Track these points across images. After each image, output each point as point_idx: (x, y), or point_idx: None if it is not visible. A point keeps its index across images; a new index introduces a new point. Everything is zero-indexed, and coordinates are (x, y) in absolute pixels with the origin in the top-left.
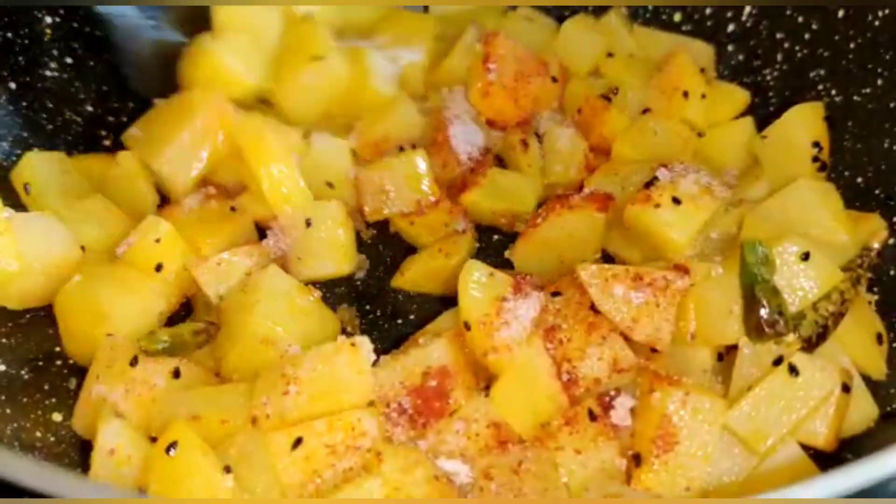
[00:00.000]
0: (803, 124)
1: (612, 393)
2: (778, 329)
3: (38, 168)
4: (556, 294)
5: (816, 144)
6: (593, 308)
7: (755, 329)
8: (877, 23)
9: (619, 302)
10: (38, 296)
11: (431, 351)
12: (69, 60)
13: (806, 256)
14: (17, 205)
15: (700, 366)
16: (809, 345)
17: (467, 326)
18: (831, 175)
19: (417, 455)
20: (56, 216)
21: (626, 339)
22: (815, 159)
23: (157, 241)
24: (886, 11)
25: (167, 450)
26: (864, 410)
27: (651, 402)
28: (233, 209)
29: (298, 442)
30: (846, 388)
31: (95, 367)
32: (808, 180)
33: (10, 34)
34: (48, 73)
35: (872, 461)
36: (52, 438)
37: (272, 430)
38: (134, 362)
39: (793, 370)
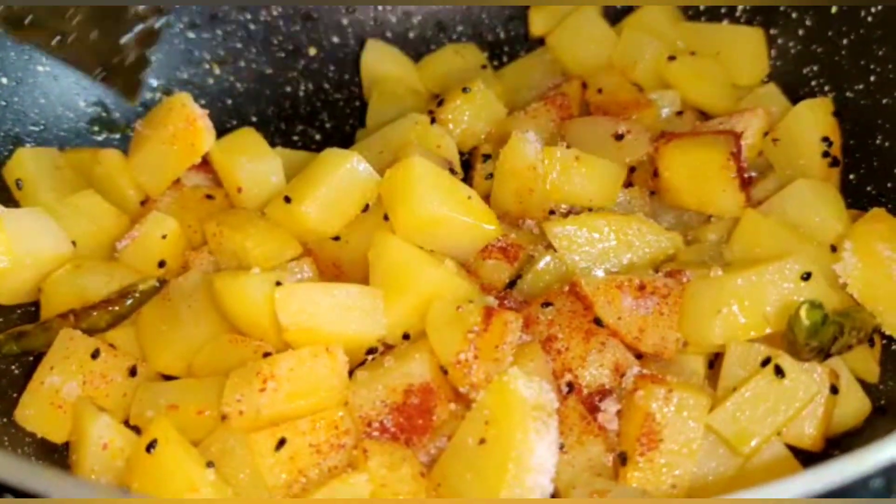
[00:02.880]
0: (811, 119)
1: (598, 395)
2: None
3: (29, 164)
4: (546, 304)
5: (826, 140)
6: (588, 315)
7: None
8: (870, 18)
9: (625, 314)
10: (29, 291)
11: (413, 368)
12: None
13: (807, 276)
14: (9, 200)
15: (691, 373)
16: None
17: (444, 370)
18: None
19: (404, 452)
20: (47, 211)
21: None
22: (826, 154)
23: (164, 237)
24: (879, 7)
25: (147, 448)
26: (855, 406)
27: (635, 400)
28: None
29: (282, 442)
30: (834, 390)
31: (51, 357)
32: (808, 180)
33: (1, 30)
34: (40, 68)
35: (852, 458)
36: None
37: (246, 428)
38: (95, 355)
39: (779, 371)
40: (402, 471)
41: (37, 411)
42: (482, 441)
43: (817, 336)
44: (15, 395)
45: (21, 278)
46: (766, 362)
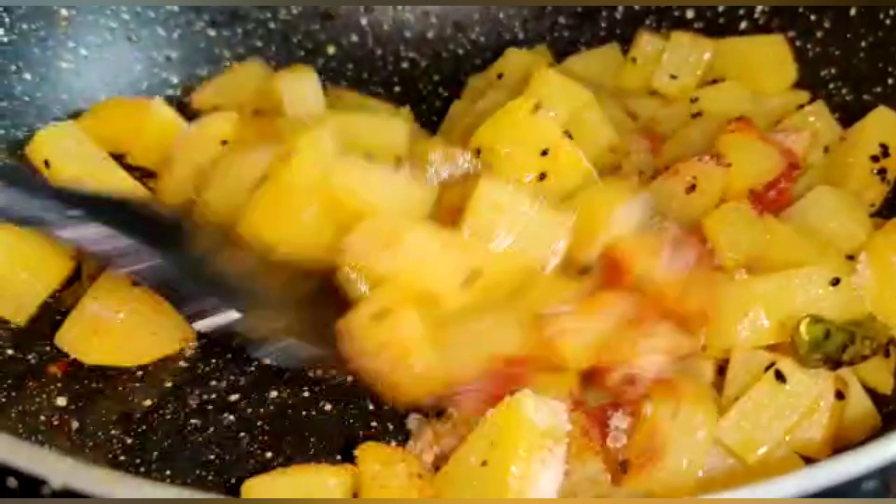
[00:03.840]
0: (882, 123)
1: (609, 413)
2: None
3: (53, 142)
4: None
5: (883, 146)
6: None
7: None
8: (888, 21)
9: (666, 269)
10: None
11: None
12: (84, 52)
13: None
14: None
15: (701, 379)
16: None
17: None
18: None
19: (403, 454)
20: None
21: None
22: (875, 159)
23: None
24: None
25: None
26: (864, 416)
27: (642, 412)
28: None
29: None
30: (840, 396)
31: (94, 290)
32: (830, 187)
33: (25, 26)
34: (64, 64)
35: (845, 459)
36: (56, 422)
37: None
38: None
39: (779, 376)
40: (395, 468)
41: (75, 335)
42: (484, 463)
43: (820, 349)
44: None
45: None
46: (770, 367)
